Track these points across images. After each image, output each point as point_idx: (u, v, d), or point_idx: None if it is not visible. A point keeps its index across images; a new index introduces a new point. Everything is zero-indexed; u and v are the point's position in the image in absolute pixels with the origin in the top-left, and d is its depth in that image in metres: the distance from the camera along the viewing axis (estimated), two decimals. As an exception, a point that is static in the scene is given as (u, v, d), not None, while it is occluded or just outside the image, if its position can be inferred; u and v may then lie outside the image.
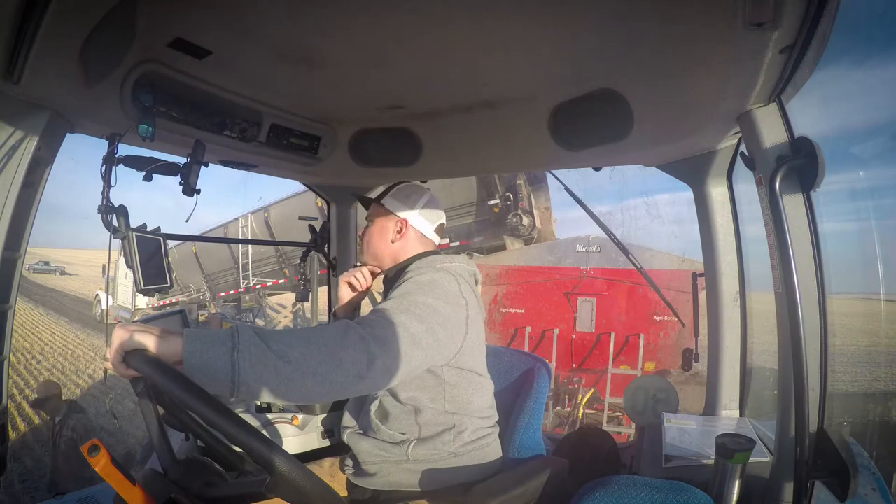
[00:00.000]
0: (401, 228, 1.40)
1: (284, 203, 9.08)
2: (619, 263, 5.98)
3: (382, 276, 1.47)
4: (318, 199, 4.93)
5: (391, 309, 1.12)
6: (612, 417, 5.93)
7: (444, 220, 1.48)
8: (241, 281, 10.24)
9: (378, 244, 1.42)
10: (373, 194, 1.63)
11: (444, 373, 1.25)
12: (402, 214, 1.41)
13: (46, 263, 38.11)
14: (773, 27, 0.94)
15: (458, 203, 7.22)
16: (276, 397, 0.92)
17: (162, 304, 11.15)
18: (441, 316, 1.16)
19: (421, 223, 1.41)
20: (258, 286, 10.17)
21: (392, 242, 1.40)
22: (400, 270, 1.36)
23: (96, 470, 0.79)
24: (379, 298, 1.40)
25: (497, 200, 7.05)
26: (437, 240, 1.46)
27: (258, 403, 1.80)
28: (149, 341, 0.85)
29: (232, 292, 10.66)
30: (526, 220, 7.04)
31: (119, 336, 0.86)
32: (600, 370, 6.17)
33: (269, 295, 10.93)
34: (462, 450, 1.28)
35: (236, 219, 10.15)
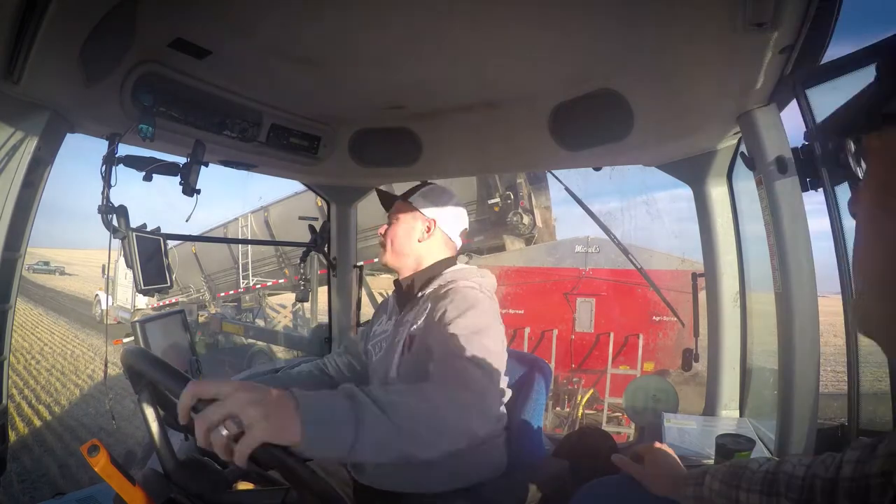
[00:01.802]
0: (429, 228, 1.37)
1: (284, 203, 9.06)
2: (618, 264, 5.97)
3: (395, 280, 1.43)
4: (318, 199, 4.93)
5: (459, 364, 1.06)
6: (611, 417, 5.92)
7: (467, 226, 1.45)
8: (241, 281, 10.21)
9: (404, 243, 1.38)
10: (373, 195, 1.62)
11: None
12: (431, 214, 1.37)
13: (46, 263, 38.05)
14: (773, 27, 0.94)
15: (458, 203, 7.20)
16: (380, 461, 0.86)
17: (162, 304, 11.12)
18: (500, 358, 1.13)
19: (449, 225, 1.39)
20: (258, 286, 10.14)
21: (419, 242, 1.37)
22: (427, 280, 1.33)
23: (96, 470, 0.79)
24: (379, 299, 1.40)
25: (497, 199, 7.03)
26: (459, 244, 1.44)
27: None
28: (261, 427, 0.69)
29: (232, 292, 10.64)
30: (526, 219, 7.02)
31: (220, 412, 0.69)
32: (600, 370, 6.16)
33: (269, 295, 10.91)
34: (464, 450, 1.27)
35: (236, 219, 10.13)
